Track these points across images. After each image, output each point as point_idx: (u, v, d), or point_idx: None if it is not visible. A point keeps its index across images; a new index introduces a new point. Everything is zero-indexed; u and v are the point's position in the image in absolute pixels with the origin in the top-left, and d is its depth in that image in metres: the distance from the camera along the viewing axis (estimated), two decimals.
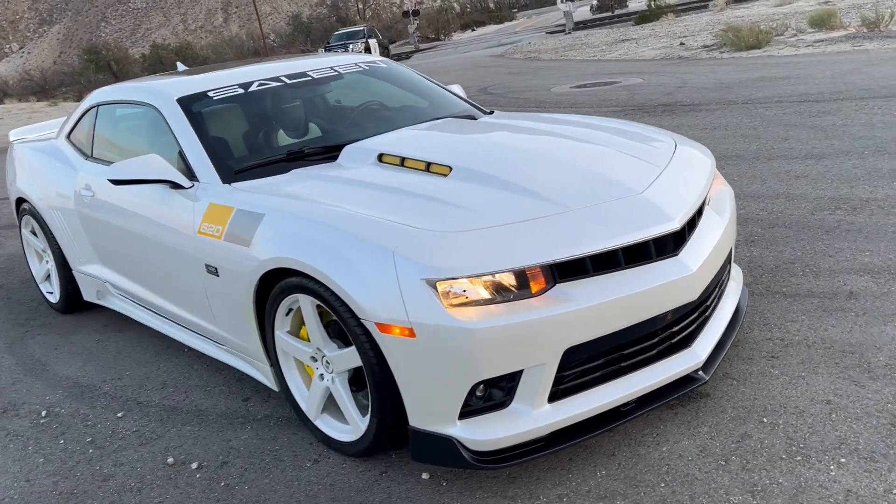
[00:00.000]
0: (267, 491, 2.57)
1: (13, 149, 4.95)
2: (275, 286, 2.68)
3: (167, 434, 3.06)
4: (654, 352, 2.52)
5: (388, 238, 2.34)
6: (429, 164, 2.88)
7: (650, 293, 2.38)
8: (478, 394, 2.29)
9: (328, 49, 30.54)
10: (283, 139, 3.47)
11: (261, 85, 3.62)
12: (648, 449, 2.49)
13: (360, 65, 4.03)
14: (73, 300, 4.53)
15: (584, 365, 2.37)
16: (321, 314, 2.62)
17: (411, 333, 2.23)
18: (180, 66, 4.72)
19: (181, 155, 3.26)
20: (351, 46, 30.29)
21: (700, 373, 2.62)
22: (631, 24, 24.85)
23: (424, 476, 2.52)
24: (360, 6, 54.18)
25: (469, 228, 2.37)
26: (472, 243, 2.31)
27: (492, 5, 58.07)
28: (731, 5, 23.59)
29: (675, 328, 2.57)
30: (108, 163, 3.84)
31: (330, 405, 2.77)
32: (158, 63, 39.38)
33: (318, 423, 2.78)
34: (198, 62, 38.50)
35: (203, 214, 2.98)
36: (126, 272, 3.82)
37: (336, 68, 3.91)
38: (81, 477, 2.83)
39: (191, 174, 3.18)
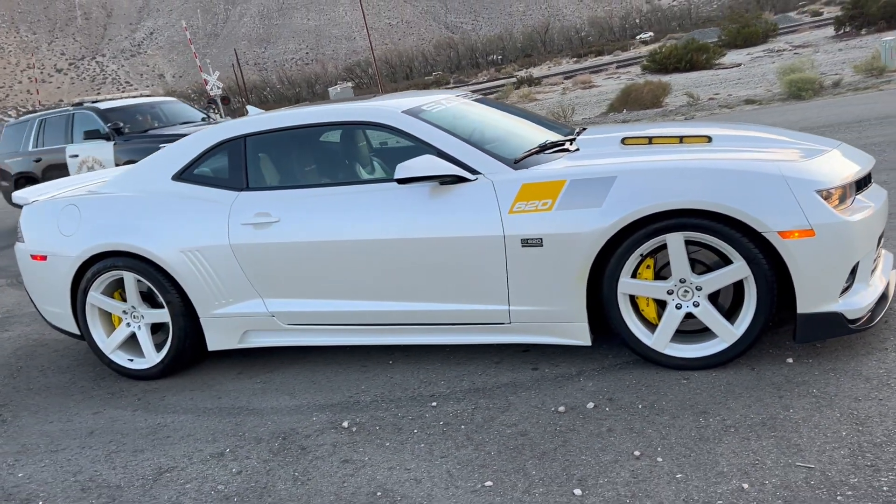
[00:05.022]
0: (692, 398, 3.01)
1: (59, 203, 4.32)
2: (629, 236, 3.17)
3: (514, 403, 3.23)
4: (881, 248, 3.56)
5: (766, 168, 3.06)
6: (682, 138, 3.62)
7: (887, 202, 3.44)
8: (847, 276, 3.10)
9: None
10: (498, 141, 3.88)
11: (439, 104, 4.03)
12: None
13: (469, 94, 4.60)
14: (186, 355, 4.13)
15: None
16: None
17: (810, 234, 2.98)
18: (252, 110, 4.63)
19: (442, 155, 3.52)
20: None
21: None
22: None
23: (789, 360, 3.20)
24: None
25: (809, 158, 3.20)
26: (821, 167, 3.15)
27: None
28: None
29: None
30: (291, 187, 3.83)
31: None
32: None
33: (668, 352, 3.28)
34: None
35: (516, 195, 3.33)
36: (327, 292, 3.76)
37: (459, 96, 4.41)
38: (493, 440, 2.92)
39: (465, 169, 3.47)
